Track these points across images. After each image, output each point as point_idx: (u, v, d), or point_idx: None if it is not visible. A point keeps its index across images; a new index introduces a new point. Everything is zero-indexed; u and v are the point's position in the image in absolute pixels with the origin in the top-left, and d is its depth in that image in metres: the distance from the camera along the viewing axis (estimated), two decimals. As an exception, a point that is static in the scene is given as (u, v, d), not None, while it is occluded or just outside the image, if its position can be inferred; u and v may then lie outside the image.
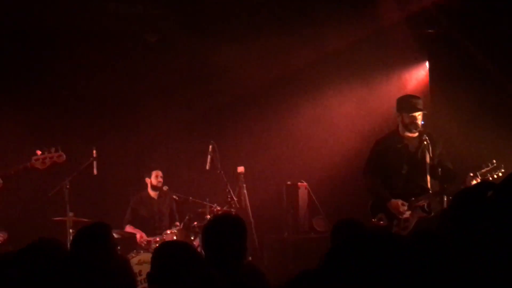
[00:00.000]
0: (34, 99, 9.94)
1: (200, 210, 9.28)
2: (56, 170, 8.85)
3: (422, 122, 7.53)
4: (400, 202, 7.24)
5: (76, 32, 10.08)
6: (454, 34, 9.77)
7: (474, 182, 7.02)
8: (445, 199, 7.23)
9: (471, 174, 7.09)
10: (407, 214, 7.22)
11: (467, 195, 3.26)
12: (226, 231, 4.03)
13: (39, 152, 6.83)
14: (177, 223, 9.43)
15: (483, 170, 7.09)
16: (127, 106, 10.82)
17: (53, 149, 6.89)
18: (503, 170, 7.04)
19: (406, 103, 7.53)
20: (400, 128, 7.54)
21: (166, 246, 3.83)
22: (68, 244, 7.89)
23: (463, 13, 9.52)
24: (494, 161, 7.16)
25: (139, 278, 7.67)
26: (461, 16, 9.56)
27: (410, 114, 7.40)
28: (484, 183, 2.81)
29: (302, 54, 10.51)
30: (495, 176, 7.03)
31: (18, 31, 9.77)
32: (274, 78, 10.90)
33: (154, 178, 9.62)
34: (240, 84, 10.82)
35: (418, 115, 7.41)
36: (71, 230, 8.14)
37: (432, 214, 7.17)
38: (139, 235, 9.17)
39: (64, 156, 6.92)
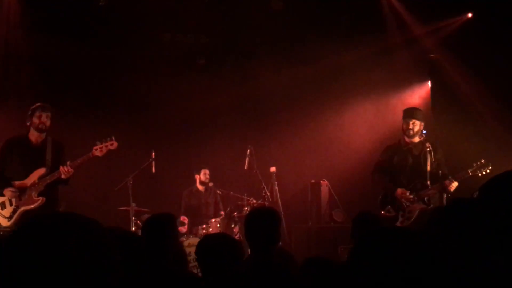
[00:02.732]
0: (107, 114, 10.17)
1: (239, 203, 9.31)
2: (121, 168, 9.02)
3: (424, 132, 7.50)
4: (403, 189, 7.26)
5: (140, 57, 10.26)
6: (451, 59, 9.78)
7: (453, 184, 7.06)
8: (444, 196, 7.22)
9: (450, 177, 7.14)
10: (411, 197, 7.22)
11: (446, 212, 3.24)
12: (264, 220, 4.01)
13: (98, 143, 6.98)
14: (222, 213, 9.48)
15: (473, 168, 7.11)
16: (180, 116, 10.90)
17: (108, 139, 7.04)
18: (490, 167, 7.07)
19: (406, 112, 7.59)
20: (403, 134, 7.56)
21: (208, 239, 3.84)
22: (132, 228, 8.06)
23: (459, 41, 9.52)
24: (483, 160, 7.17)
25: (188, 258, 7.75)
26: (457, 44, 9.56)
27: (406, 120, 7.44)
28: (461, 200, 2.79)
29: (326, 74, 10.54)
30: (484, 173, 7.08)
31: (95, 58, 9.98)
32: (302, 94, 10.93)
33: (203, 175, 9.67)
34: (273, 98, 10.86)
35: (412, 122, 7.40)
36: (133, 218, 8.23)
37: (431, 206, 7.16)
38: (186, 225, 9.28)
39: (116, 143, 6.97)
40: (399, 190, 7.27)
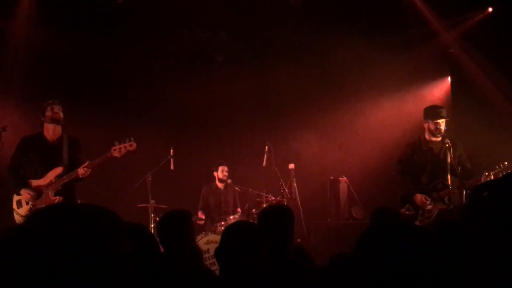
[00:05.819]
0: (126, 111, 10.27)
1: (257, 199, 9.30)
2: (140, 165, 9.08)
3: (445, 128, 7.45)
4: (424, 197, 7.19)
5: (159, 54, 10.32)
6: (472, 54, 9.70)
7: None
8: (464, 193, 7.14)
9: (486, 173, 6.97)
10: (430, 206, 7.17)
11: (479, 191, 3.22)
12: (277, 218, 4.00)
13: (116, 143, 6.93)
14: (239, 210, 9.50)
15: (496, 171, 6.97)
16: (199, 113, 10.95)
17: (127, 140, 6.96)
18: None
19: (432, 112, 7.46)
20: (426, 133, 7.47)
21: (235, 224, 3.81)
22: (151, 225, 8.11)
23: (479, 36, 9.45)
24: (506, 162, 7.03)
25: (207, 255, 7.77)
26: (478, 39, 9.49)
27: (435, 121, 7.33)
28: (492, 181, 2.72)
29: (345, 70, 10.51)
30: None
31: (114, 55, 10.06)
32: (320, 91, 10.90)
33: (220, 172, 9.68)
34: (291, 94, 10.85)
35: (442, 122, 7.33)
36: (152, 215, 8.28)
37: (452, 206, 7.10)
38: (203, 222, 9.34)
39: (135, 145, 6.88)
40: (418, 197, 7.21)
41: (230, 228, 3.48)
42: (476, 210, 2.89)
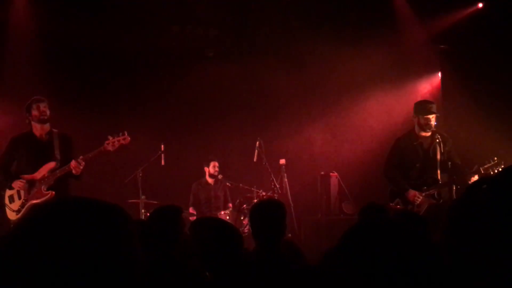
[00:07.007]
0: (116, 107, 10.26)
1: (248, 195, 9.33)
2: (131, 161, 9.06)
3: (435, 123, 7.47)
4: (417, 193, 7.20)
5: (149, 49, 10.30)
6: (462, 49, 9.72)
7: (473, 178, 6.93)
8: (454, 188, 7.18)
9: (475, 168, 7.02)
10: (420, 201, 7.19)
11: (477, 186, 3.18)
12: (269, 212, 3.99)
13: (110, 137, 6.89)
14: (230, 205, 9.50)
15: (485, 166, 7.00)
16: (189, 109, 10.94)
17: (120, 133, 6.91)
18: (502, 166, 6.92)
19: (422, 107, 7.47)
20: (416, 128, 7.48)
21: (198, 225, 3.77)
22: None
23: (469, 31, 9.47)
24: (496, 158, 7.06)
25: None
26: (468, 34, 9.51)
27: (425, 116, 7.34)
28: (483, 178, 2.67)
29: (336, 66, 10.52)
30: (496, 171, 6.93)
31: (104, 51, 10.05)
32: (311, 86, 10.93)
33: (212, 168, 9.68)
34: (282, 90, 10.85)
35: (432, 117, 7.35)
36: (143, 210, 8.29)
37: (441, 201, 7.12)
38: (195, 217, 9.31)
39: (129, 138, 6.85)
40: (411, 193, 7.22)
41: (196, 228, 3.49)
42: (471, 206, 2.87)
